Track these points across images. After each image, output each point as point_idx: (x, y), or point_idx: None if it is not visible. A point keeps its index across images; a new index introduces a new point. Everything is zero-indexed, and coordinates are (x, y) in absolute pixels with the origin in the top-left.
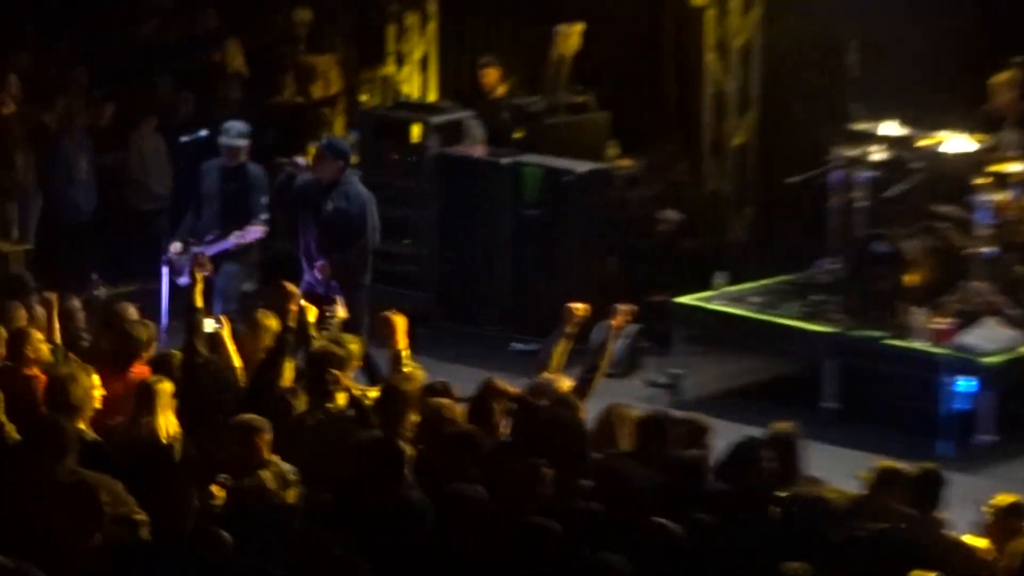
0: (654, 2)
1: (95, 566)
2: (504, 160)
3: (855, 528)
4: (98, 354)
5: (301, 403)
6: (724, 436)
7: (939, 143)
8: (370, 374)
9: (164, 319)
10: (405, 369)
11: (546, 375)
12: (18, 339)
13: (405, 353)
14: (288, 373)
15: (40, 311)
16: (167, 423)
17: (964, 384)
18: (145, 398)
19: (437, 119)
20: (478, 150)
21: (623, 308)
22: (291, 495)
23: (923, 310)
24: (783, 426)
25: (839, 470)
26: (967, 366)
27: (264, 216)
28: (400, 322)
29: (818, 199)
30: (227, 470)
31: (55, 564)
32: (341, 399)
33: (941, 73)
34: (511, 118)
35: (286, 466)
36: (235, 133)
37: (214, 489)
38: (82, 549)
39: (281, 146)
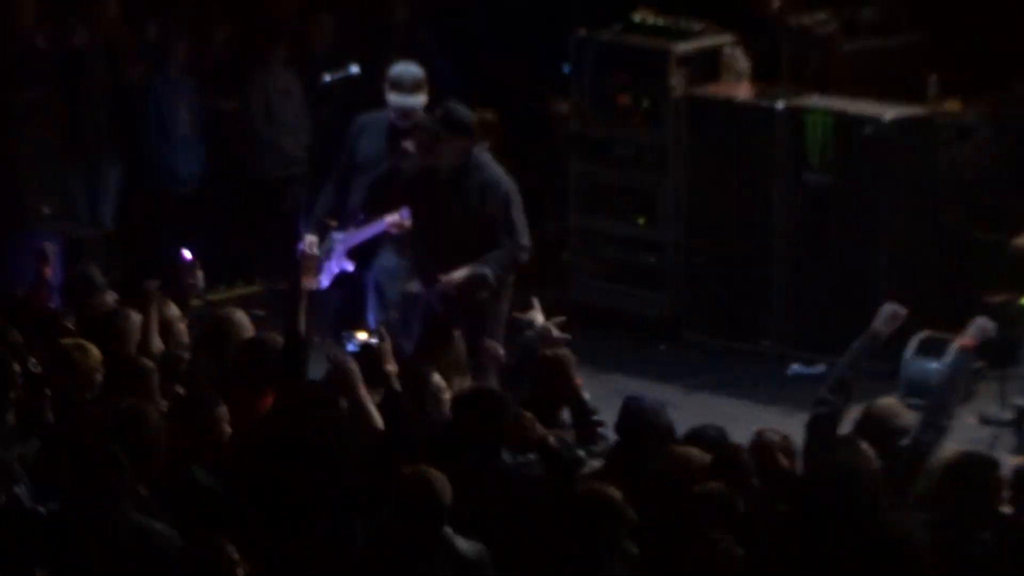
0: None
1: None
2: (779, 104)
3: None
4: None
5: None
6: None
7: None
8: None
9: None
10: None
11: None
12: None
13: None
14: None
15: (134, 317)
16: None
17: None
18: None
19: (683, 46)
20: (742, 90)
21: (984, 326)
22: None
23: None
24: None
25: None
26: None
27: None
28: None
29: None
30: None
31: None
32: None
33: None
34: (791, 44)
35: None
36: (410, 83)
37: None
38: None
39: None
